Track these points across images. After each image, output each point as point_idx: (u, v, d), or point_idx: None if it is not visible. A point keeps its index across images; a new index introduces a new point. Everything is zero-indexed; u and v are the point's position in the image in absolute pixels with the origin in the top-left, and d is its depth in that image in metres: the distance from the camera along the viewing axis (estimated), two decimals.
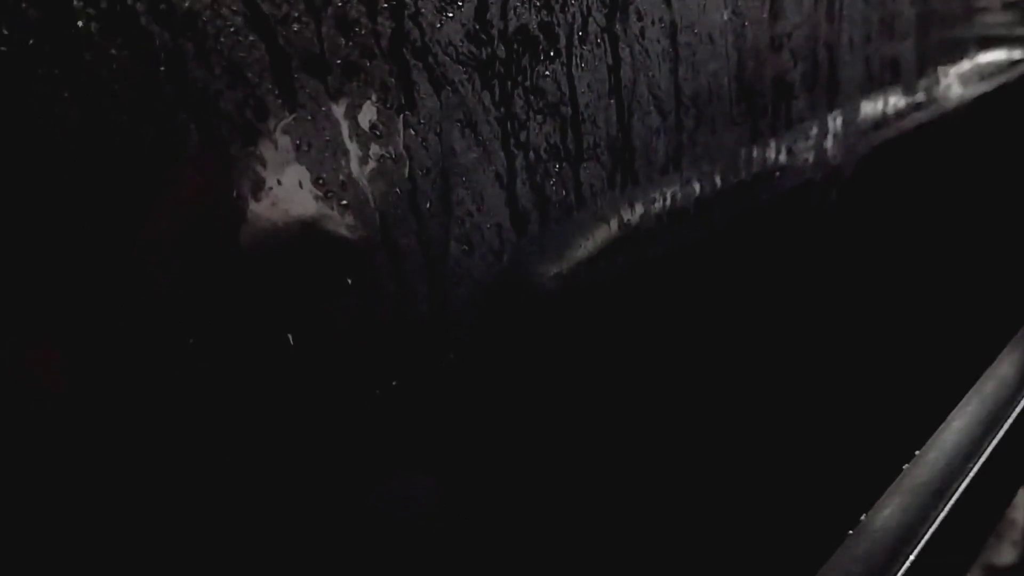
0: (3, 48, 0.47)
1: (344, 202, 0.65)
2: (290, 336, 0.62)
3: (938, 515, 0.94)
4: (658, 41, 0.94)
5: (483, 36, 0.75)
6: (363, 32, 0.66)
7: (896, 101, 1.49)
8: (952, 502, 0.96)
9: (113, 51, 0.52)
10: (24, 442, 0.51)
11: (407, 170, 0.70)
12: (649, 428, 1.00)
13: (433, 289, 0.72)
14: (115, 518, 0.56)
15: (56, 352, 0.52)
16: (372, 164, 0.67)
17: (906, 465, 1.01)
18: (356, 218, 0.66)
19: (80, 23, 0.50)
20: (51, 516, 0.53)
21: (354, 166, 0.66)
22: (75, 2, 0.50)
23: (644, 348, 0.98)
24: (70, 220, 0.51)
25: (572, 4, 0.83)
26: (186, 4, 0.55)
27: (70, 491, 0.54)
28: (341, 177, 0.65)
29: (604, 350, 0.93)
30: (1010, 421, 1.18)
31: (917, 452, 1.03)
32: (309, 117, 0.63)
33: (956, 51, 1.71)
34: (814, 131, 1.26)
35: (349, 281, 0.66)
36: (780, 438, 1.11)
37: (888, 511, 0.95)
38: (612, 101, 0.88)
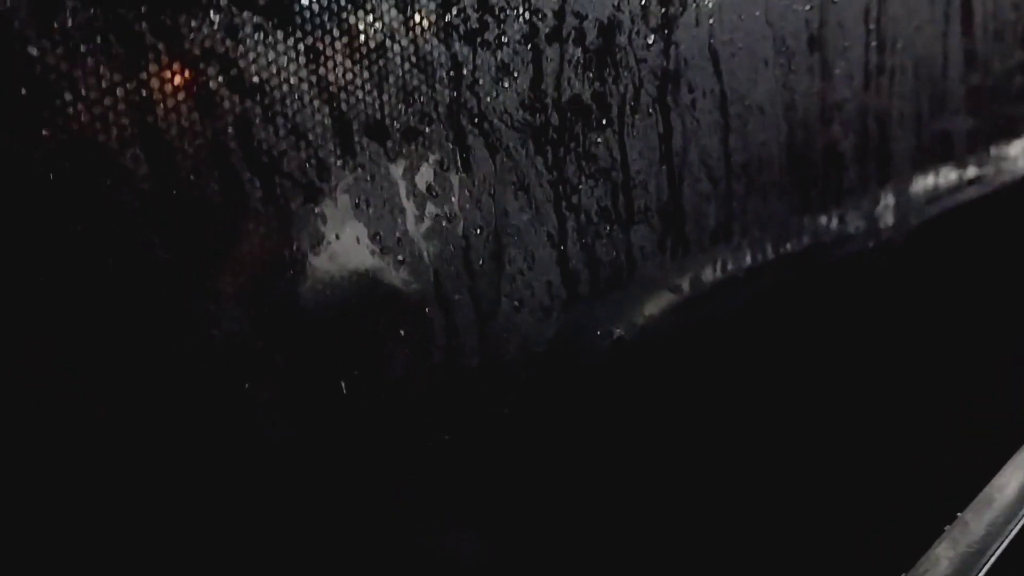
0: (79, 107, 0.48)
1: (400, 258, 0.65)
2: (343, 385, 0.61)
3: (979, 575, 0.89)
4: (709, 112, 0.93)
5: (537, 105, 0.75)
6: (423, 100, 0.66)
7: (948, 175, 1.45)
8: (992, 562, 0.91)
9: (184, 112, 0.53)
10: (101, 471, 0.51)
11: (461, 229, 0.69)
12: (700, 487, 0.96)
13: (484, 344, 0.71)
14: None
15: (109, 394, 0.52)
16: (428, 223, 0.67)
17: (948, 526, 0.96)
18: (411, 274, 0.66)
19: (152, 85, 0.51)
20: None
21: (410, 224, 0.66)
22: (150, 66, 0.51)
23: (692, 406, 0.95)
24: (136, 270, 0.51)
25: (624, 76, 0.82)
26: (254, 70, 0.56)
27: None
28: (397, 234, 0.65)
29: (654, 408, 0.90)
30: None
31: (959, 513, 0.98)
32: (369, 177, 0.63)
33: (1010, 128, 1.66)
34: (865, 202, 1.23)
35: (402, 333, 0.65)
36: (824, 498, 1.06)
37: (929, 571, 0.90)
38: (663, 167, 0.87)
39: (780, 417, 1.07)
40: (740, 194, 0.98)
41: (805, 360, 1.11)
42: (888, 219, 1.28)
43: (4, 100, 0.46)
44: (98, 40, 0.50)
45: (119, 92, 0.50)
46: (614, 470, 0.86)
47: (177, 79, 0.53)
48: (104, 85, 0.50)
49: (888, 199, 1.27)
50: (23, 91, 0.47)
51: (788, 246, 1.08)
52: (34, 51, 0.47)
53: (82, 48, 0.49)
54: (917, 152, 1.31)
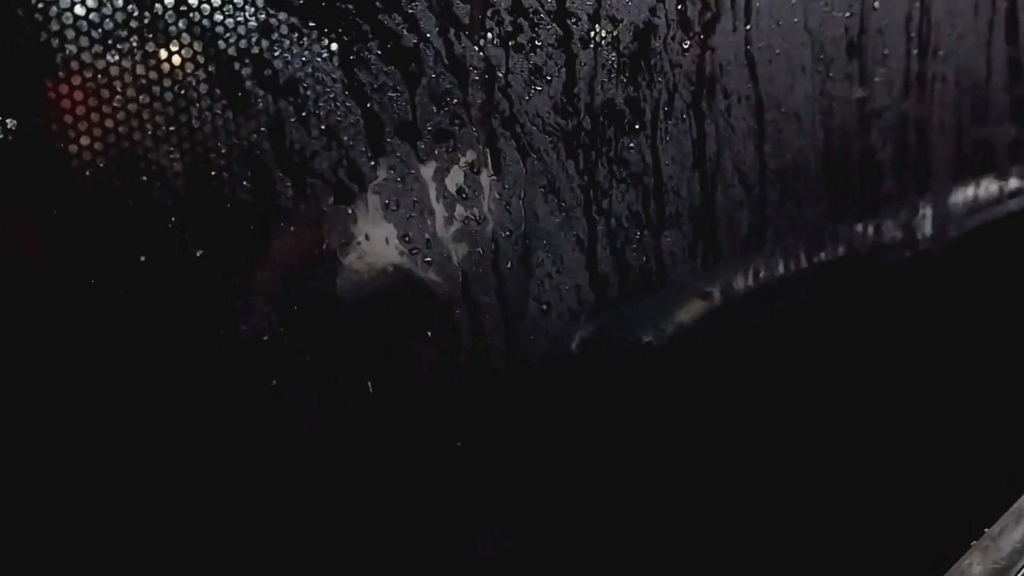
0: (116, 105, 0.49)
1: (428, 259, 0.65)
2: (369, 384, 0.62)
3: None
4: (744, 118, 0.92)
5: (570, 108, 0.74)
6: (454, 102, 0.66)
7: (989, 186, 1.42)
8: None
9: (218, 111, 0.54)
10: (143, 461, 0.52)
11: (490, 231, 0.69)
12: (729, 495, 0.95)
13: (511, 346, 0.71)
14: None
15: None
16: (457, 224, 0.67)
17: (975, 541, 0.94)
18: (439, 274, 0.66)
19: (189, 84, 0.52)
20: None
21: (440, 226, 0.66)
22: (186, 64, 0.52)
23: (721, 414, 0.94)
24: (168, 266, 0.52)
25: (659, 81, 0.82)
26: (287, 70, 0.57)
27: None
28: (427, 235, 0.65)
29: (682, 415, 0.89)
30: None
31: (987, 529, 0.96)
32: (399, 179, 0.63)
33: None
34: (903, 212, 1.21)
35: (429, 334, 0.65)
36: (851, 508, 1.05)
37: None
38: (696, 173, 0.86)
39: (810, 427, 1.06)
40: (774, 201, 0.97)
41: (836, 370, 1.10)
42: (926, 230, 1.26)
43: (41, 97, 0.47)
44: (134, 39, 0.50)
45: (155, 90, 0.51)
46: (641, 476, 0.85)
47: (210, 77, 0.53)
48: (139, 83, 0.50)
49: (926, 210, 1.25)
50: (60, 89, 0.48)
51: (822, 255, 1.07)
52: (72, 49, 0.48)
53: (119, 47, 0.50)
54: (957, 162, 1.29)
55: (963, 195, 1.33)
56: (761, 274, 0.98)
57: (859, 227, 1.13)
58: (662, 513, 0.89)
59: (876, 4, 1.08)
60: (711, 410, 0.93)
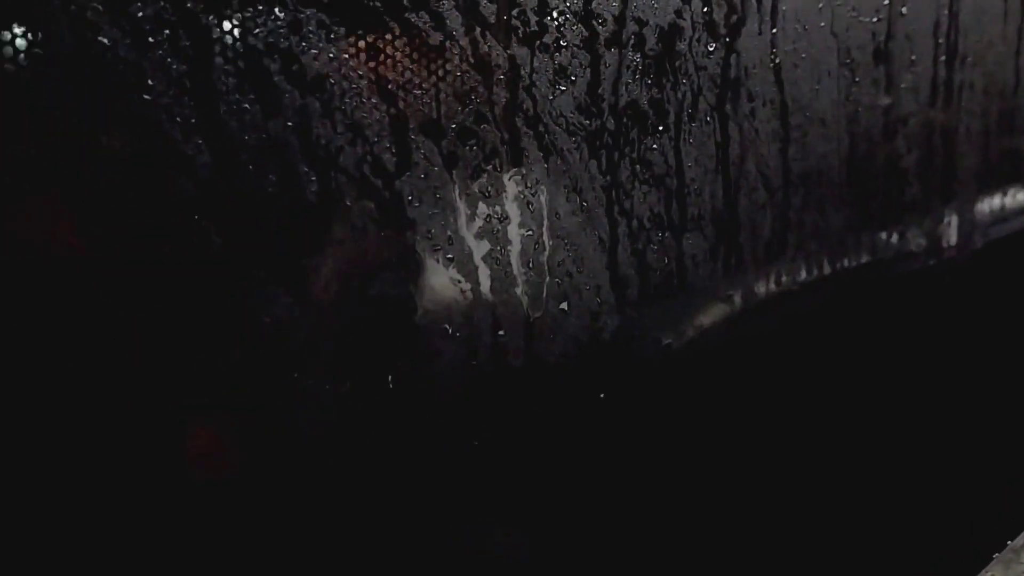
0: (147, 96, 0.50)
1: (449, 256, 0.66)
2: (389, 378, 0.62)
3: None
4: (768, 121, 0.92)
5: (594, 109, 0.75)
6: (478, 100, 0.67)
7: (1017, 195, 1.41)
8: None
9: (245, 105, 0.54)
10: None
11: (511, 230, 0.70)
12: (752, 502, 0.95)
13: (528, 345, 0.71)
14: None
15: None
16: (479, 222, 0.67)
17: (997, 554, 0.93)
18: (460, 271, 0.66)
19: (217, 78, 0.53)
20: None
21: (462, 223, 0.66)
22: (216, 59, 0.53)
23: (742, 420, 0.94)
24: (190, 254, 0.53)
25: (683, 83, 0.82)
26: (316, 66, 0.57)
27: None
28: (448, 232, 0.66)
29: (700, 419, 0.89)
30: None
31: (1009, 542, 0.95)
32: (422, 175, 0.64)
33: None
34: (927, 220, 1.20)
35: (448, 330, 0.66)
36: (872, 521, 1.04)
37: None
38: (719, 176, 0.87)
39: (834, 435, 1.05)
40: (797, 206, 0.97)
41: (860, 378, 1.10)
42: (951, 238, 1.25)
43: (73, 89, 0.48)
44: (166, 32, 0.51)
45: (186, 83, 0.52)
46: (657, 478, 0.85)
47: (239, 72, 0.54)
48: (169, 76, 0.51)
49: (951, 217, 1.24)
50: (93, 81, 0.49)
51: (845, 261, 1.06)
52: (105, 40, 0.49)
53: (150, 39, 0.51)
54: (983, 170, 1.28)
55: (989, 203, 1.32)
56: (783, 279, 0.97)
57: (883, 234, 1.13)
58: (674, 512, 0.89)
59: (904, 9, 1.08)
60: (732, 415, 0.93)
